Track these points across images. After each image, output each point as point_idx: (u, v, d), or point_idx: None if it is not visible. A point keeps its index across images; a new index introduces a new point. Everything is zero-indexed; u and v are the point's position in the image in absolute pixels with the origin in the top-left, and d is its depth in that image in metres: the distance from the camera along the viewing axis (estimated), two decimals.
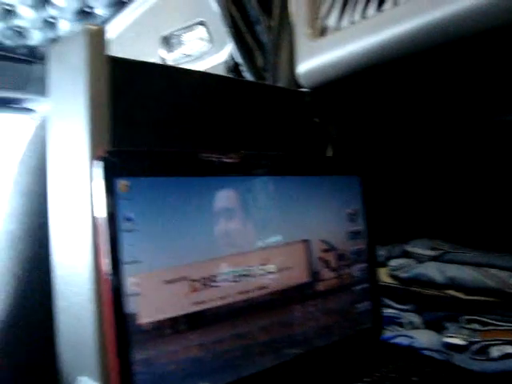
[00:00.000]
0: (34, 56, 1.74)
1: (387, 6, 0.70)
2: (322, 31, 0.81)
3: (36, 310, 0.59)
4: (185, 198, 0.51)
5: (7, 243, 0.59)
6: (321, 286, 0.66)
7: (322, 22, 0.81)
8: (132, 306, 0.46)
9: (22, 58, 1.73)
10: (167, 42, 1.36)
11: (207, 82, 0.63)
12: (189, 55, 1.34)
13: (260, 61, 0.92)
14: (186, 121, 0.59)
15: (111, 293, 0.45)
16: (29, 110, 1.94)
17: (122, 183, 0.46)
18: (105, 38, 0.49)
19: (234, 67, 1.01)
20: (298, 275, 0.64)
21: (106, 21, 1.54)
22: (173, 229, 0.50)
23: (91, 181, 0.46)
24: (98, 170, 0.45)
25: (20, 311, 0.59)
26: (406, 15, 0.67)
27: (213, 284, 0.53)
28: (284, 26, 0.90)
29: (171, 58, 1.37)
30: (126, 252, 0.46)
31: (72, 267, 0.49)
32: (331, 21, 0.79)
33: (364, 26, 0.73)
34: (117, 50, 1.59)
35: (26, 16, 1.49)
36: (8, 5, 1.43)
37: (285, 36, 0.90)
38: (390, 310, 0.95)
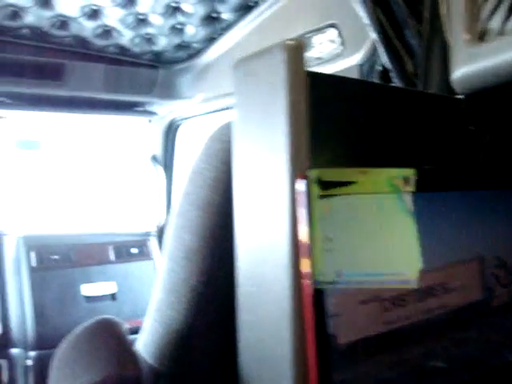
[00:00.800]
0: (159, 61, 1.79)
1: None
2: (482, 35, 0.78)
3: (213, 322, 0.60)
4: (375, 215, 0.51)
5: (182, 254, 0.61)
6: (493, 304, 0.64)
7: (482, 25, 0.77)
8: (331, 326, 0.46)
9: (148, 63, 1.80)
10: None
11: (395, 96, 0.62)
12: (319, 58, 1.33)
13: (410, 66, 0.90)
14: (377, 137, 0.58)
15: (314, 313, 0.45)
16: (152, 113, 2.01)
17: (323, 202, 0.46)
18: (304, 52, 0.48)
19: (381, 73, 0.99)
20: (473, 293, 0.61)
21: (231, 25, 1.56)
22: (366, 248, 0.49)
23: (291, 200, 0.46)
24: (301, 190, 0.45)
25: (196, 322, 0.60)
26: None
27: (401, 303, 0.52)
28: (435, 29, 0.87)
29: None
30: (327, 272, 0.46)
31: (264, 284, 0.50)
32: (494, 24, 0.76)
33: None
34: (241, 54, 1.61)
35: (156, 23, 1.54)
36: (141, 14, 1.48)
37: (436, 40, 0.87)
38: None
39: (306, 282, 0.45)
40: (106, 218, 2.42)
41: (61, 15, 1.49)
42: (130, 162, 2.40)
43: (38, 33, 1.59)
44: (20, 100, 1.83)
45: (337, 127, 0.53)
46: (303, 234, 0.45)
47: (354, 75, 1.19)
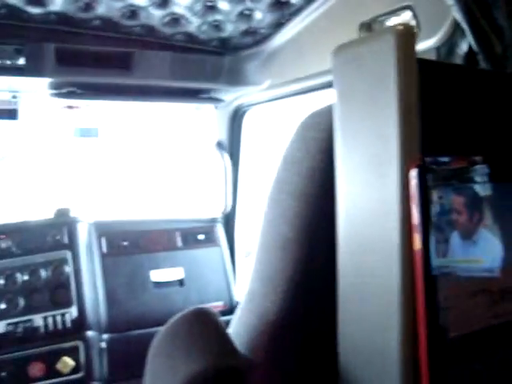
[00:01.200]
0: (225, 47, 1.79)
1: None
2: None
3: (308, 313, 0.60)
4: (486, 205, 0.49)
5: (278, 244, 0.60)
6: None
7: None
8: (442, 318, 0.45)
9: (215, 49, 1.80)
10: (368, 28, 1.33)
11: (498, 81, 0.60)
12: None
13: (498, 48, 0.86)
14: (482, 124, 0.56)
15: (426, 304, 0.44)
16: (218, 100, 2.02)
17: (435, 192, 0.44)
18: (414, 37, 0.47)
19: (466, 56, 0.96)
20: None
21: (299, 9, 1.54)
22: (476, 237, 0.48)
23: (402, 189, 0.45)
24: (415, 179, 0.44)
25: (291, 313, 0.60)
26: None
27: (509, 296, 0.51)
28: None
29: None
30: (439, 262, 0.45)
31: (371, 275, 0.49)
32: None
33: None
34: (310, 40, 1.59)
35: (224, 10, 1.54)
36: (209, 1, 1.48)
37: None
38: None
39: (419, 273, 0.44)
40: (171, 204, 2.46)
41: (131, 5, 1.50)
42: (196, 149, 2.42)
43: (108, 23, 1.61)
44: (90, 90, 1.87)
45: (445, 114, 0.51)
46: (416, 223, 0.44)
47: (431, 58, 1.16)
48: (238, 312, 0.66)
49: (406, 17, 1.27)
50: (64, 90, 1.84)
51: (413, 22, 1.26)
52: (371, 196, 0.48)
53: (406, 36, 0.46)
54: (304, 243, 0.58)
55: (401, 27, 0.46)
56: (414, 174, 0.44)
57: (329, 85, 1.66)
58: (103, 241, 1.98)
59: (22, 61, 1.61)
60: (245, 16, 1.58)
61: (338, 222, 0.52)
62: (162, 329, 0.64)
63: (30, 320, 1.77)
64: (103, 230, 2.00)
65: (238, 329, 0.64)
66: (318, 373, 0.59)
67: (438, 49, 1.16)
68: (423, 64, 0.47)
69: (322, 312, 0.58)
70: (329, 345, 0.56)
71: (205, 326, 0.60)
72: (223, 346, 0.58)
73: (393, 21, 1.29)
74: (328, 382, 0.56)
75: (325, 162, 0.56)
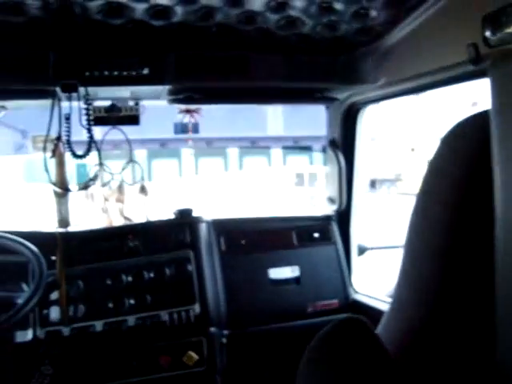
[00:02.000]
0: (339, 46, 1.79)
1: None
2: None
3: (457, 322, 0.60)
4: None
5: (427, 254, 0.61)
6: None
7: None
8: None
9: (329, 49, 1.80)
10: (494, 20, 1.28)
11: None
12: None
13: None
14: None
15: None
16: (333, 99, 2.02)
17: None
18: None
19: None
20: None
21: (416, 5, 1.51)
22: None
23: None
24: None
25: (440, 321, 0.60)
26: None
27: None
28: None
29: (497, 39, 1.29)
30: None
31: None
32: None
33: None
34: (427, 35, 1.53)
35: (339, 10, 1.54)
36: (325, 2, 1.48)
37: None
38: None
39: None
40: (286, 202, 2.50)
41: (248, 11, 1.54)
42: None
43: (224, 29, 1.66)
44: (206, 94, 1.93)
45: None
46: None
47: None
48: (385, 318, 0.67)
49: None
50: (181, 96, 1.91)
51: None
52: None
53: None
54: (454, 253, 0.58)
55: None
56: None
57: (447, 81, 1.62)
58: (222, 240, 2.05)
59: (146, 71, 1.70)
60: (360, 15, 1.57)
61: (497, 232, 0.52)
62: (316, 336, 0.66)
63: (157, 315, 1.88)
64: (222, 229, 2.07)
65: (386, 334, 0.65)
66: (465, 380, 0.59)
67: None
68: None
69: (473, 320, 0.58)
70: (480, 351, 0.56)
71: (358, 333, 0.62)
72: (376, 353, 0.59)
73: None
74: None
75: (474, 171, 0.56)
